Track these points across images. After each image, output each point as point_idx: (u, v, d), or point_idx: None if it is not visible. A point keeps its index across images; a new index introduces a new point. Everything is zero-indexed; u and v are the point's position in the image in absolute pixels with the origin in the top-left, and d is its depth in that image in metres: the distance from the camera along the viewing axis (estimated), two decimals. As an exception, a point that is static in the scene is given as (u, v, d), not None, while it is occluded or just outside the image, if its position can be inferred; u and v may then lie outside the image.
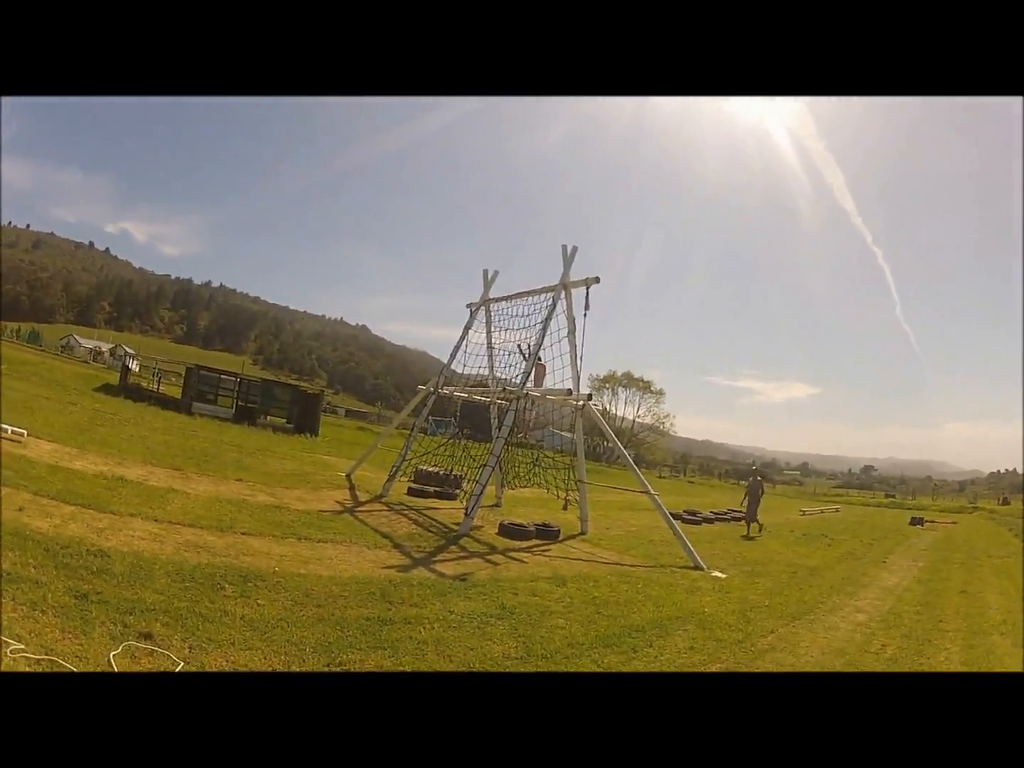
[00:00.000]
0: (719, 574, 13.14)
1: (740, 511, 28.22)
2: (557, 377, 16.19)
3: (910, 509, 54.61)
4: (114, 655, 5.03)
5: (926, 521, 38.60)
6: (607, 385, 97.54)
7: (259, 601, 6.99)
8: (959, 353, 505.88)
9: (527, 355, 16.37)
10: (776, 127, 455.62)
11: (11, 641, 4.76)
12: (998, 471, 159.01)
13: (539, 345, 15.80)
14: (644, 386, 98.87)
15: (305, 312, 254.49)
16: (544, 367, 16.24)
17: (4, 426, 12.88)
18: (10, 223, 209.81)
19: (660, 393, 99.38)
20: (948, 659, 8.58)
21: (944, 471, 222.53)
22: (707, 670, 7.18)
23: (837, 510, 47.92)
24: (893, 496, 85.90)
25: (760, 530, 21.73)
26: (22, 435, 13.12)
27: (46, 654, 4.79)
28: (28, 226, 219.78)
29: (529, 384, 15.75)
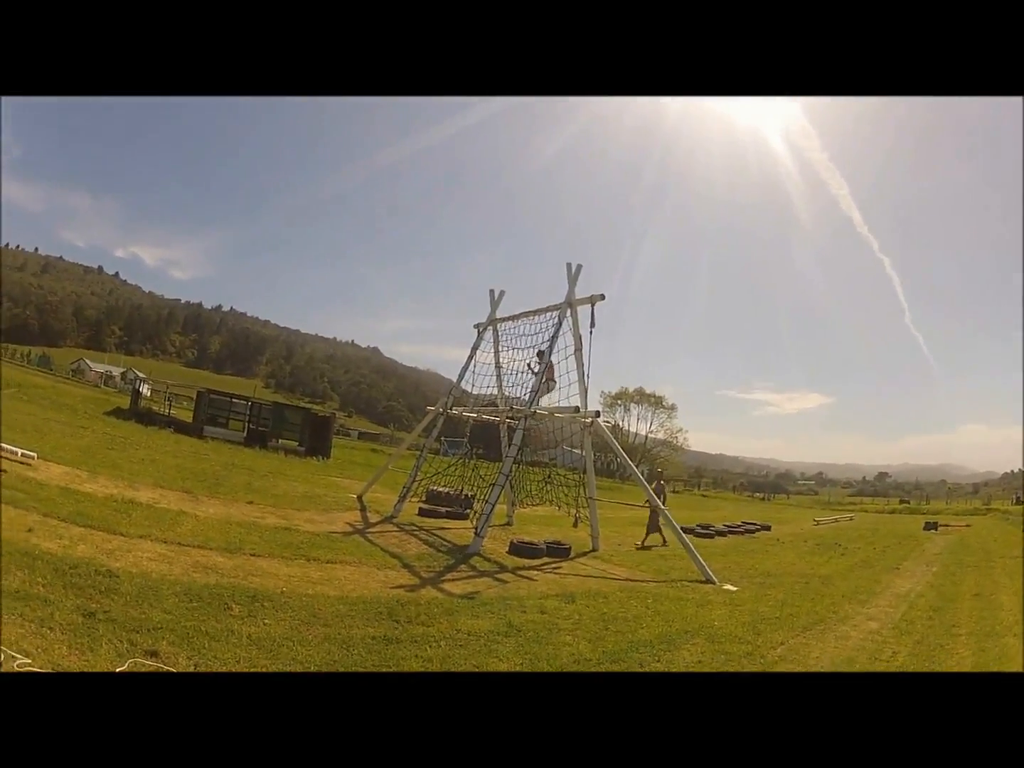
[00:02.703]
0: (730, 587, 13.04)
1: (754, 523, 28.17)
2: (565, 394, 16.22)
3: (924, 514, 54.28)
4: (120, 671, 5.06)
5: (940, 525, 38.32)
6: (619, 401, 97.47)
7: (266, 621, 7.01)
8: (969, 355, 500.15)
9: (536, 370, 16.39)
10: (777, 138, 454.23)
11: (18, 656, 4.81)
12: (1011, 471, 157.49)
13: (546, 363, 15.84)
14: (656, 401, 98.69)
15: (316, 335, 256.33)
16: (552, 367, 16.21)
17: (14, 448, 12.96)
18: (18, 247, 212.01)
19: (672, 408, 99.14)
20: (960, 664, 8.45)
21: (958, 474, 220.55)
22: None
23: (851, 518, 47.70)
24: (907, 502, 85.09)
25: (662, 543, 19.00)
26: (32, 458, 13.19)
27: (53, 669, 4.83)
28: (36, 250, 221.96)
29: (540, 402, 15.79)
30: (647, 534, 19.05)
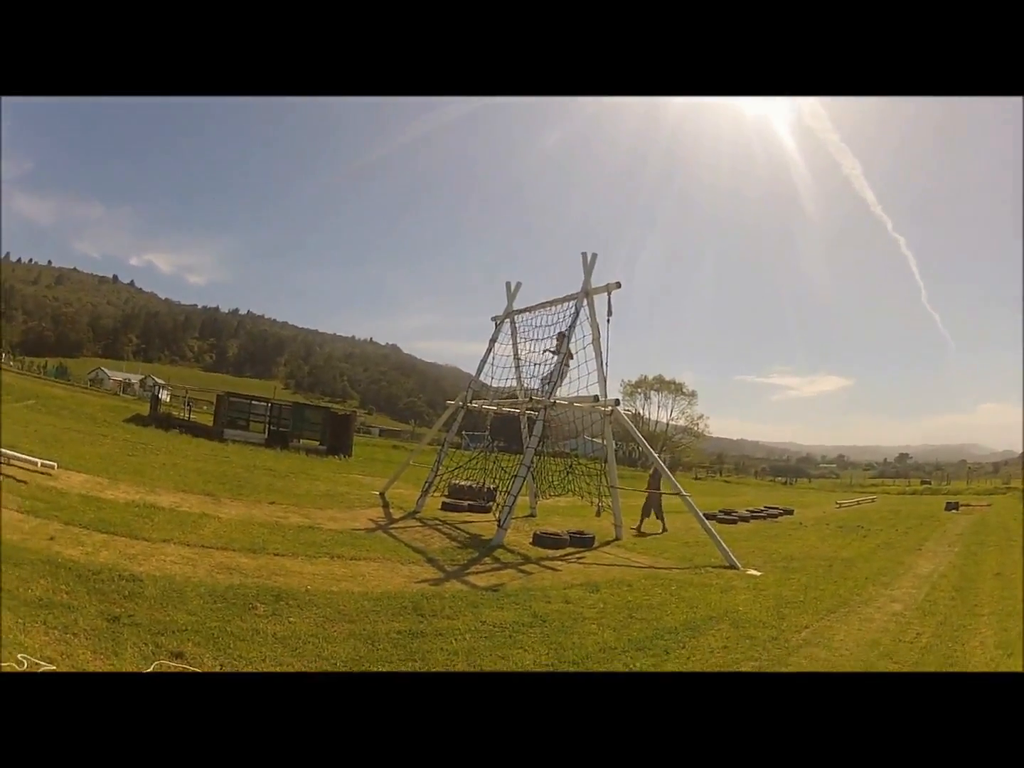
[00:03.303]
0: (754, 572, 13.00)
1: (776, 508, 28.06)
2: (583, 383, 16.21)
3: (946, 495, 53.85)
4: (145, 672, 5.09)
5: (961, 505, 38.16)
6: (639, 390, 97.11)
7: (291, 619, 7.02)
8: (987, 333, 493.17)
9: (556, 351, 16.41)
10: (787, 119, 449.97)
11: (42, 663, 4.85)
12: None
13: (566, 349, 15.89)
14: (676, 388, 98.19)
15: (334, 334, 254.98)
16: (571, 354, 16.20)
17: (34, 459, 13.05)
18: (31, 260, 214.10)
19: (692, 395, 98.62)
20: (983, 643, 8.42)
21: (978, 453, 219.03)
22: (739, 669, 7.04)
23: (873, 500, 47.37)
24: (929, 483, 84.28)
25: (662, 530, 18.72)
26: (52, 467, 13.27)
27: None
28: (50, 262, 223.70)
29: (557, 393, 15.82)
30: (660, 520, 19.07)
